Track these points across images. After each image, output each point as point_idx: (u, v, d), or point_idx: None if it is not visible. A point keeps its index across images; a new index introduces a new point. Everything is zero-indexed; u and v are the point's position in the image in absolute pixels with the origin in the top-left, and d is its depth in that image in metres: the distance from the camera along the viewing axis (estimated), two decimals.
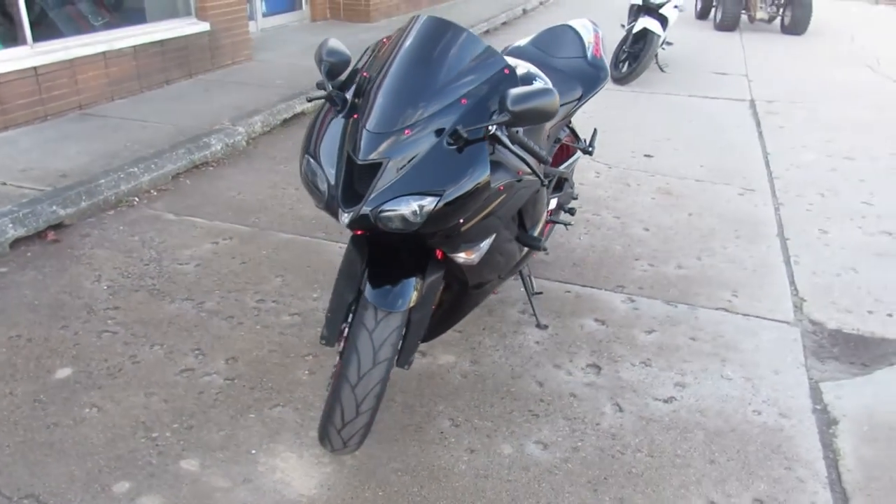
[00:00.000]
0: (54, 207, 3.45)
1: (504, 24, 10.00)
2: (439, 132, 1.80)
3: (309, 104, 5.50)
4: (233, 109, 5.23)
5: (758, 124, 5.71)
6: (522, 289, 3.02)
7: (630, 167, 4.66)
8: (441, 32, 1.90)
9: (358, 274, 1.92)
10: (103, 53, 5.19)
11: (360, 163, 1.76)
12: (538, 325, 2.83)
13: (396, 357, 1.92)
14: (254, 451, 2.14)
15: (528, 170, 2.04)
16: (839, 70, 7.82)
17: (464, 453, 2.17)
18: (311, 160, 1.87)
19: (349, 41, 8.90)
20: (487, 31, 9.22)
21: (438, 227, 1.79)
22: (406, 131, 1.77)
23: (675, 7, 6.68)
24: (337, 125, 1.89)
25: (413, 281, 1.88)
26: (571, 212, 3.09)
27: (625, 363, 2.63)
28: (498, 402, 2.40)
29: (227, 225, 3.61)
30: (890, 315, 3.00)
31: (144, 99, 5.50)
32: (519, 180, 2.00)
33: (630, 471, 2.13)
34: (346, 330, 1.99)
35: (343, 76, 2.01)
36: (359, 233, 2.01)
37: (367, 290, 1.84)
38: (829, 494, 2.07)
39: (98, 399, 2.34)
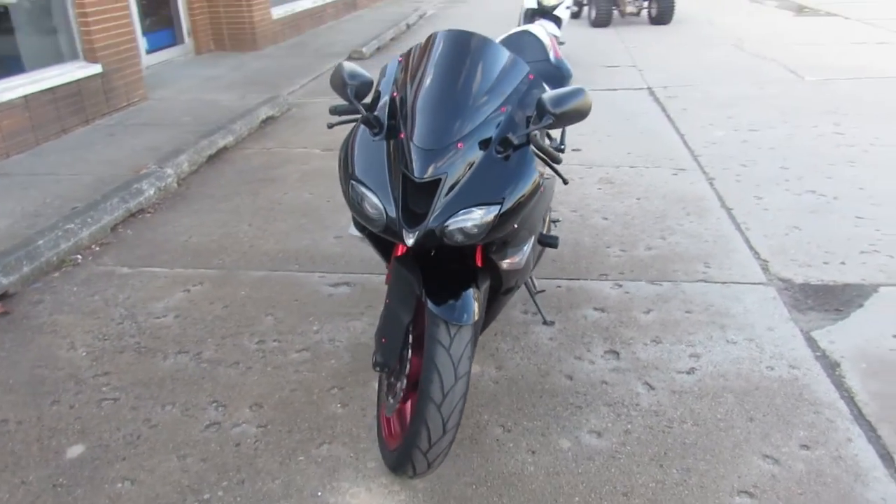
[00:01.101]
0: None
1: (392, 39, 10.08)
2: (484, 142, 1.83)
3: (231, 139, 5.31)
4: (147, 152, 4.97)
5: (663, 109, 6.09)
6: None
7: (565, 162, 4.83)
8: (468, 44, 1.93)
9: (412, 294, 1.90)
10: None
11: (418, 181, 1.75)
12: (545, 322, 2.89)
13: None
14: (319, 493, 2.05)
15: (548, 170, 2.11)
16: (712, 52, 8.48)
17: (527, 455, 2.19)
18: (357, 184, 1.83)
19: (248, 69, 8.50)
20: (379, 49, 9.25)
21: (499, 235, 1.82)
22: (459, 144, 1.78)
23: (567, 8, 7.02)
24: (378, 146, 1.86)
25: (472, 292, 1.89)
26: None
27: (637, 344, 2.74)
28: (538, 401, 2.43)
29: (191, 271, 3.42)
30: (843, 263, 3.31)
31: (44, 151, 5.12)
32: (545, 180, 2.06)
33: (684, 442, 2.23)
34: (408, 353, 1.97)
35: (368, 98, 1.99)
36: (400, 253, 1.99)
37: (433, 307, 1.82)
38: (858, 429, 2.26)
39: (127, 471, 2.16)
